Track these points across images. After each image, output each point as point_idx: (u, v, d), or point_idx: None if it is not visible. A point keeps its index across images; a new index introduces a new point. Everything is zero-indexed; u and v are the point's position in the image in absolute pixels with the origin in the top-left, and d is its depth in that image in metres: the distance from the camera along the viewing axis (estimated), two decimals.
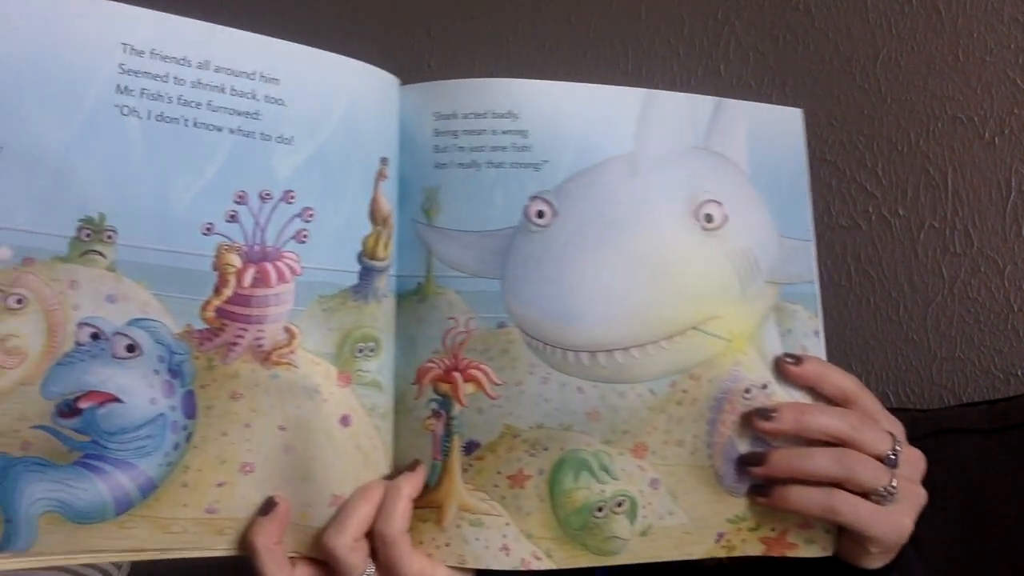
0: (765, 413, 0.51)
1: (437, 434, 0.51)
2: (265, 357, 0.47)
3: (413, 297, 0.50)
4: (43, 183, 0.41)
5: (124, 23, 0.43)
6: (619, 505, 0.51)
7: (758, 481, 0.52)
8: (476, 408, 0.50)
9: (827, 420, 0.51)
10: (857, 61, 1.16)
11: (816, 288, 0.55)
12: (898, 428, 0.54)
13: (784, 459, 0.51)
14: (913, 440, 1.00)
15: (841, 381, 0.53)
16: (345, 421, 0.50)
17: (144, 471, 0.45)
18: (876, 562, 0.53)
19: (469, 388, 0.50)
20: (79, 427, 0.44)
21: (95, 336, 0.44)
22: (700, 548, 0.53)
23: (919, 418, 1.00)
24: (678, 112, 0.52)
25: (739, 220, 0.52)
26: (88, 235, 0.42)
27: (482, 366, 0.50)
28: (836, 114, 1.17)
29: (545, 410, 0.50)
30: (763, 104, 0.55)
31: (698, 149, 0.51)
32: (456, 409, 0.50)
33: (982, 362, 1.08)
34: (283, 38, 0.48)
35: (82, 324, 0.43)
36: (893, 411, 1.04)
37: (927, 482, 0.96)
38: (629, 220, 0.50)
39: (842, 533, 0.54)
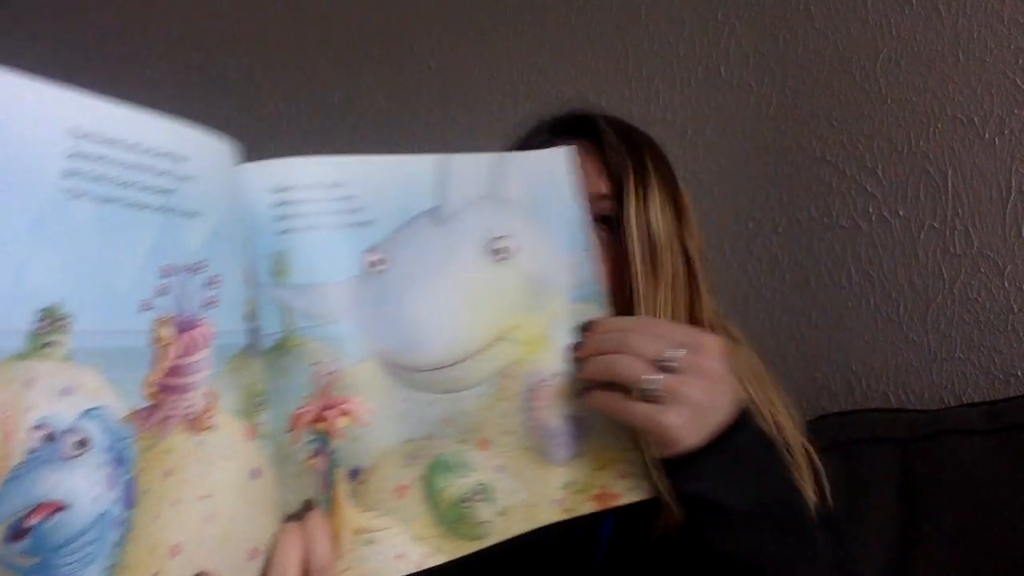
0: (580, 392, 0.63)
1: (321, 470, 0.55)
2: (193, 424, 0.47)
3: (274, 353, 0.54)
4: (3, 277, 0.39)
5: (69, 108, 0.43)
6: (478, 494, 0.59)
7: (571, 451, 0.63)
8: (352, 438, 0.55)
9: (599, 339, 0.62)
10: (857, 61, 1.16)
11: (601, 286, 0.66)
12: (681, 338, 0.60)
13: (582, 367, 0.62)
14: (913, 440, 1.01)
15: (614, 326, 0.63)
16: (255, 474, 0.51)
17: None
18: (663, 451, 0.60)
19: (343, 422, 0.55)
20: (29, 549, 0.39)
21: (49, 437, 0.40)
22: (545, 516, 0.61)
23: (919, 418, 1.01)
24: (466, 170, 0.61)
25: (525, 248, 0.62)
26: (47, 326, 0.40)
27: (352, 399, 0.55)
28: (836, 114, 1.17)
29: (410, 426, 0.57)
30: (535, 152, 0.66)
31: (486, 197, 0.62)
32: (334, 443, 0.55)
33: (982, 362, 1.08)
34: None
35: (36, 427, 0.40)
36: (893, 411, 1.06)
37: (928, 481, 0.97)
38: (443, 261, 0.59)
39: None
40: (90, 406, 0.42)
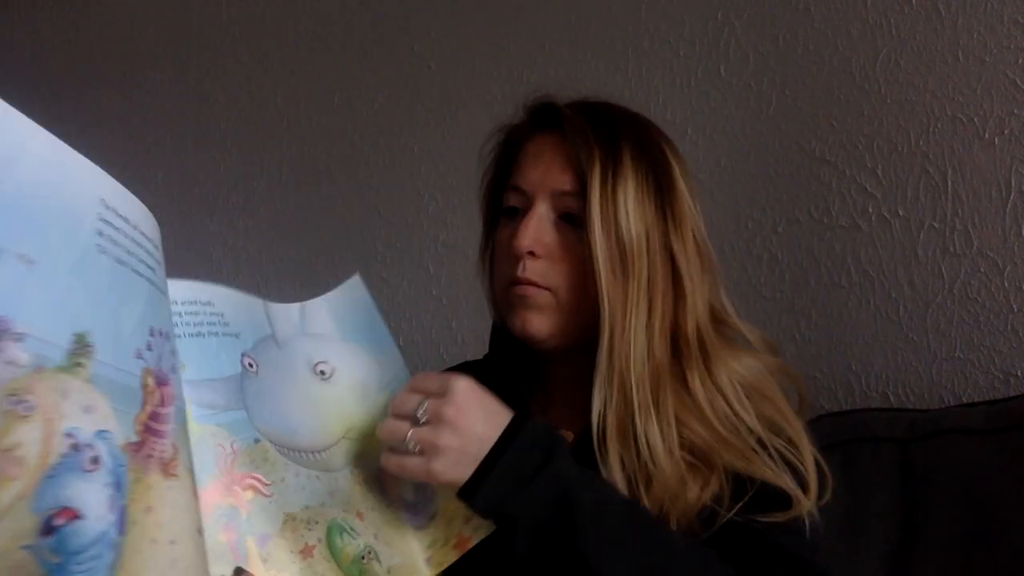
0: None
1: (232, 542, 0.60)
2: (165, 468, 0.51)
3: None
4: (54, 296, 0.45)
5: (99, 182, 0.49)
6: (369, 553, 0.67)
7: (428, 514, 0.71)
8: (258, 508, 0.63)
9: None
10: (857, 61, 1.16)
11: (408, 373, 0.75)
12: (432, 388, 0.66)
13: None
14: (913, 440, 1.01)
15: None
16: (200, 532, 0.55)
17: None
18: (447, 488, 0.67)
19: (248, 495, 0.62)
20: (53, 547, 0.42)
21: (74, 447, 0.44)
22: (422, 573, 0.68)
23: (919, 418, 1.01)
24: (281, 315, 0.72)
25: (341, 367, 0.72)
26: (77, 348, 0.45)
27: (253, 475, 0.63)
28: (836, 114, 1.17)
29: (306, 495, 0.66)
30: (333, 291, 0.75)
31: (301, 334, 0.73)
32: (243, 514, 0.61)
33: (982, 362, 1.08)
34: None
35: (67, 434, 0.43)
36: (893, 411, 1.06)
37: (928, 481, 0.97)
38: (289, 374, 0.70)
39: None
40: (101, 428, 0.45)
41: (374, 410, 0.72)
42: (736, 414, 0.73)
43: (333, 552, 0.65)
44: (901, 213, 1.12)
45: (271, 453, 0.65)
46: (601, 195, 0.73)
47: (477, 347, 0.95)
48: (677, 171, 0.78)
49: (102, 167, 0.50)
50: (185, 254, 1.71)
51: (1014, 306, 1.06)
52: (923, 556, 0.92)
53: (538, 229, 0.75)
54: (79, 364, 0.45)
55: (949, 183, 1.10)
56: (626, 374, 0.72)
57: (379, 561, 0.67)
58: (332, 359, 0.73)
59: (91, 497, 0.44)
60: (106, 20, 1.87)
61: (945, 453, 0.95)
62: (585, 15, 1.36)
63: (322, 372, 0.71)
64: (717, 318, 0.79)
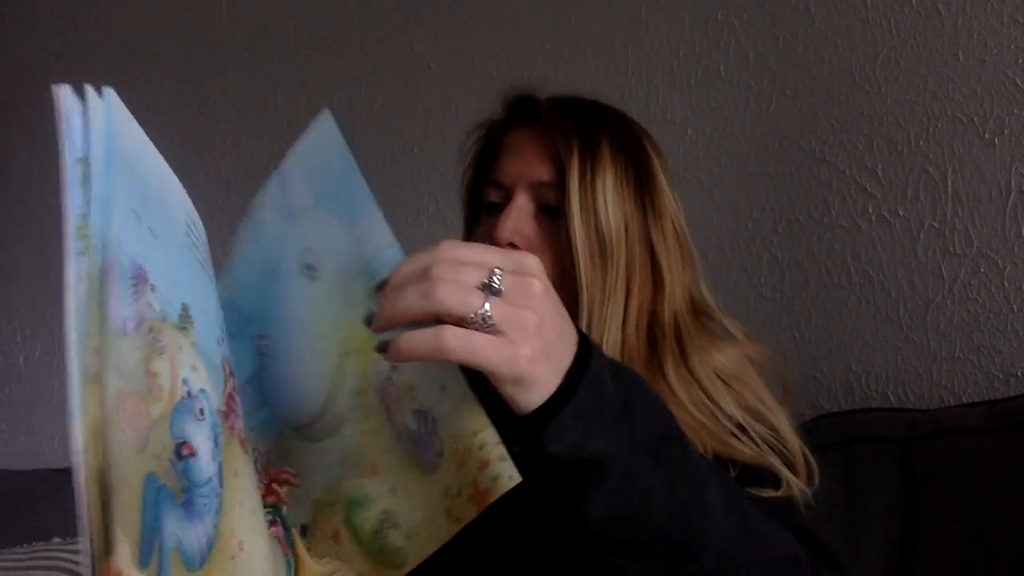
0: (383, 345, 0.50)
1: (279, 536, 0.60)
2: (242, 443, 0.55)
3: None
4: (169, 267, 0.50)
5: (185, 195, 0.55)
6: (386, 522, 0.58)
7: (433, 451, 0.56)
8: (294, 500, 0.62)
9: (407, 277, 0.48)
10: (857, 61, 1.16)
11: (399, 249, 0.57)
12: (499, 259, 0.48)
13: (382, 313, 0.49)
14: (913, 440, 1.01)
15: (412, 265, 0.49)
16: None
17: (207, 528, 0.48)
18: (526, 397, 0.48)
19: (285, 490, 0.62)
20: (183, 472, 0.47)
21: (189, 394, 0.49)
22: (444, 530, 0.55)
23: (919, 418, 1.01)
24: (265, 208, 0.64)
25: (326, 254, 0.59)
26: (184, 315, 0.51)
27: (286, 470, 0.63)
28: (836, 114, 1.17)
29: (324, 475, 0.62)
30: (303, 137, 0.59)
31: (287, 217, 0.61)
32: (284, 509, 0.62)
33: (982, 362, 1.08)
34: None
35: (183, 381, 0.49)
36: (893, 411, 1.06)
37: (928, 481, 0.97)
38: (289, 307, 0.62)
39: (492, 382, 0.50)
40: (202, 387, 0.51)
41: (363, 311, 0.54)
42: (713, 400, 0.73)
43: (355, 532, 0.59)
44: (901, 213, 1.12)
45: (290, 442, 0.62)
46: (580, 185, 0.73)
47: None
48: (656, 164, 0.78)
49: None
50: None
51: (1014, 306, 1.06)
52: (923, 556, 0.92)
53: (518, 220, 0.75)
54: (186, 328, 0.50)
55: (949, 183, 1.10)
56: None
57: (397, 527, 0.57)
58: (317, 244, 0.58)
59: (202, 441, 0.49)
60: (106, 20, 1.87)
61: (945, 453, 0.95)
62: (585, 15, 1.36)
63: (308, 267, 0.58)
64: (698, 309, 0.79)
